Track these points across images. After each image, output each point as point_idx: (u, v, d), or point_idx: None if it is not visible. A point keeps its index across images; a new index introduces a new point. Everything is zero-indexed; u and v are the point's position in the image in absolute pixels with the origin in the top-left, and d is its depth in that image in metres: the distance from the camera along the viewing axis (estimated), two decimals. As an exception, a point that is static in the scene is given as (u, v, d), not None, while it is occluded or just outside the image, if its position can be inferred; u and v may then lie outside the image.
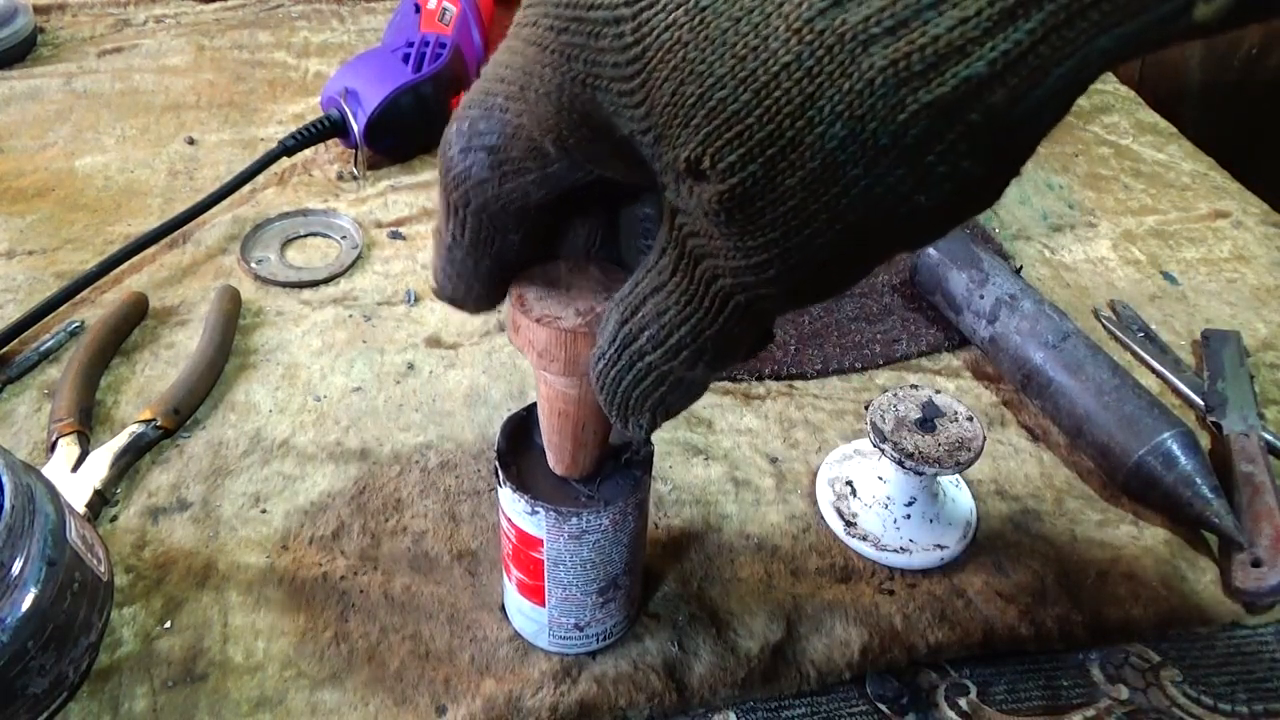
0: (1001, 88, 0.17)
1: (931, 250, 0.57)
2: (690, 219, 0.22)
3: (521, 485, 0.35)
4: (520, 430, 0.37)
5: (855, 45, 0.18)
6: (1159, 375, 0.55)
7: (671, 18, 0.20)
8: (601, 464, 0.36)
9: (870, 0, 0.18)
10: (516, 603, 0.40)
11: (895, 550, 0.45)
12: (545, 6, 0.23)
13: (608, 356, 0.26)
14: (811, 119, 0.19)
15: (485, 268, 0.29)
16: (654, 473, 0.48)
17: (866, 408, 0.44)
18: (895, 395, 0.45)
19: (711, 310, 0.23)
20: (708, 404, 0.53)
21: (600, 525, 0.35)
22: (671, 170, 0.21)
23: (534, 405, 0.35)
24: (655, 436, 0.50)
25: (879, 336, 0.57)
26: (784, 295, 0.22)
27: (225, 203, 0.65)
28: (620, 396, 0.27)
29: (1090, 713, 0.40)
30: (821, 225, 0.20)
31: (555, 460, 0.35)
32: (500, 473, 0.36)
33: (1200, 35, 0.17)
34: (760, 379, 0.54)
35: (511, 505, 0.36)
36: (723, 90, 0.20)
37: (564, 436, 0.34)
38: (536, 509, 0.35)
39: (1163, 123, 0.81)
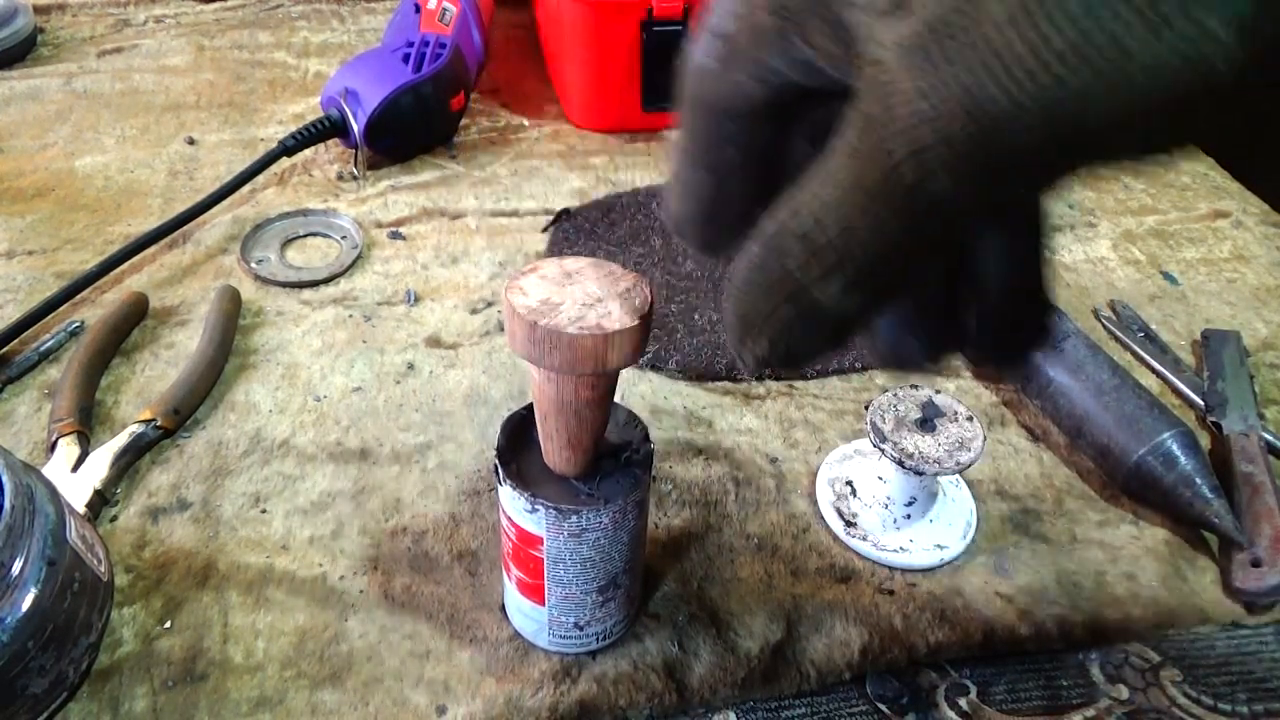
0: None
1: (931, 250, 0.57)
2: (878, 75, 0.19)
3: (521, 483, 0.35)
4: (520, 429, 0.37)
5: None
6: (1159, 375, 0.55)
7: None
8: (598, 462, 0.36)
9: None
10: (516, 602, 0.40)
11: (895, 550, 0.45)
12: None
13: (751, 256, 0.22)
14: None
15: (707, 183, 0.26)
16: (654, 472, 0.48)
17: (866, 408, 0.44)
18: (895, 395, 0.45)
19: (874, 195, 0.19)
20: (708, 404, 0.53)
21: (600, 523, 0.35)
22: (873, 32, 0.19)
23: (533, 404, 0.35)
24: (655, 436, 0.50)
25: (879, 336, 0.57)
26: (968, 171, 0.18)
27: (225, 203, 0.65)
28: (746, 307, 0.23)
29: (1090, 713, 0.40)
30: (1021, 71, 0.17)
31: (552, 458, 0.35)
32: (500, 471, 0.36)
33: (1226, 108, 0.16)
34: (760, 379, 0.54)
35: (511, 503, 0.36)
36: None
37: (560, 434, 0.34)
38: (536, 507, 0.35)
39: (1163, 123, 0.81)
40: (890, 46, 0.18)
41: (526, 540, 0.36)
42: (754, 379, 0.28)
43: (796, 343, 0.23)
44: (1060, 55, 0.17)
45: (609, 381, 0.33)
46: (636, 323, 0.30)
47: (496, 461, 0.36)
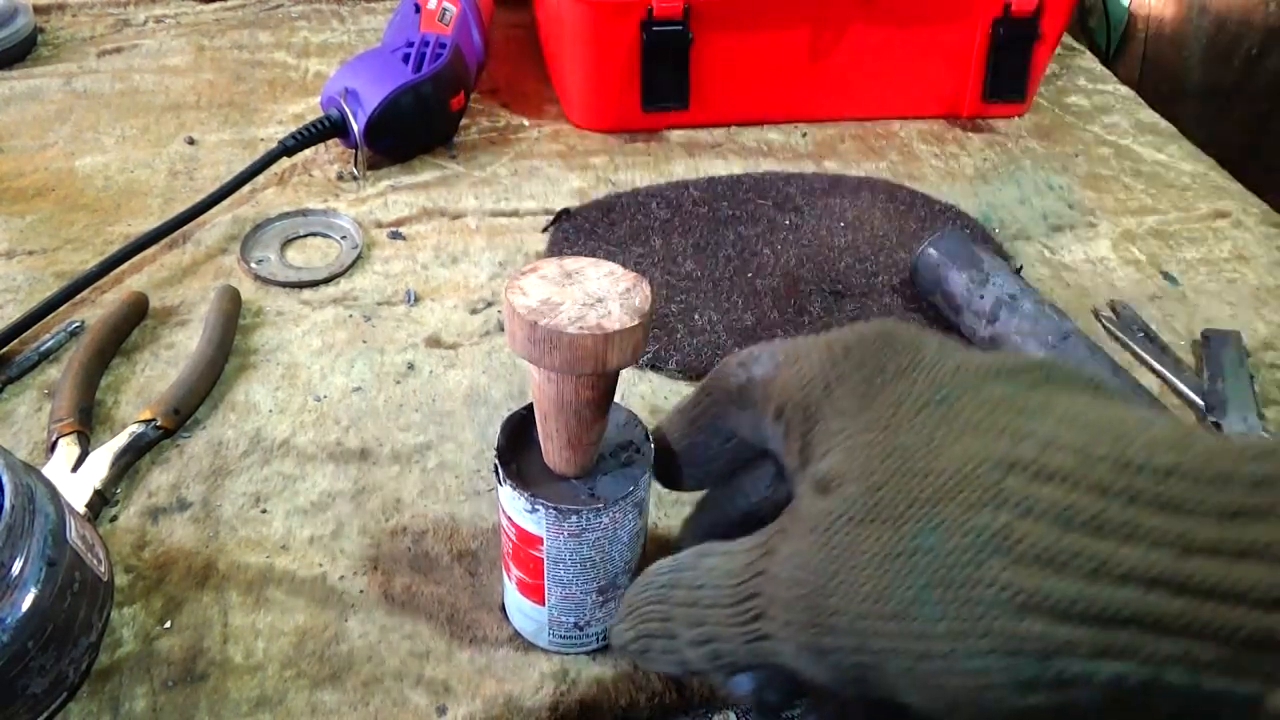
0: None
1: (931, 250, 0.57)
2: (792, 520, 0.26)
3: (521, 483, 0.35)
4: (521, 429, 0.37)
5: (989, 496, 0.22)
6: (1159, 375, 0.55)
7: (921, 388, 0.26)
8: (598, 462, 0.36)
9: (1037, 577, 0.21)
10: (516, 602, 0.40)
11: (895, 550, 0.44)
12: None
13: (664, 577, 0.29)
14: (924, 524, 0.23)
15: (691, 442, 0.34)
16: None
17: (866, 408, 0.44)
18: (895, 395, 0.45)
19: (739, 624, 0.26)
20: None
21: (600, 524, 0.35)
22: (813, 474, 0.26)
23: (533, 404, 0.35)
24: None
25: (879, 336, 0.57)
26: (791, 652, 0.25)
27: (225, 203, 0.65)
28: (636, 604, 0.30)
29: (1090, 713, 0.40)
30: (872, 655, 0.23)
31: (552, 458, 0.35)
32: (500, 470, 0.36)
33: None
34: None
35: (511, 503, 0.36)
36: (897, 452, 0.25)
37: (560, 434, 0.34)
38: (536, 507, 0.35)
39: (1163, 123, 0.81)
40: (803, 520, 0.25)
41: (526, 540, 0.36)
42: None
43: (652, 654, 0.29)
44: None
45: (609, 382, 0.33)
46: (637, 323, 0.30)
47: (496, 461, 0.36)
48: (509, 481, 0.35)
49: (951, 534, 0.22)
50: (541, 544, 0.36)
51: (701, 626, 0.27)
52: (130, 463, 0.47)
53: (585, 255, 0.66)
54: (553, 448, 0.35)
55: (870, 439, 0.25)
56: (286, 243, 0.64)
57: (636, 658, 0.30)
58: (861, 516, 0.24)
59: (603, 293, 0.31)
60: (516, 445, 0.37)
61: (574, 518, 0.35)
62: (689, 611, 0.28)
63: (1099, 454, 0.22)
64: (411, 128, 0.70)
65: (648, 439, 0.36)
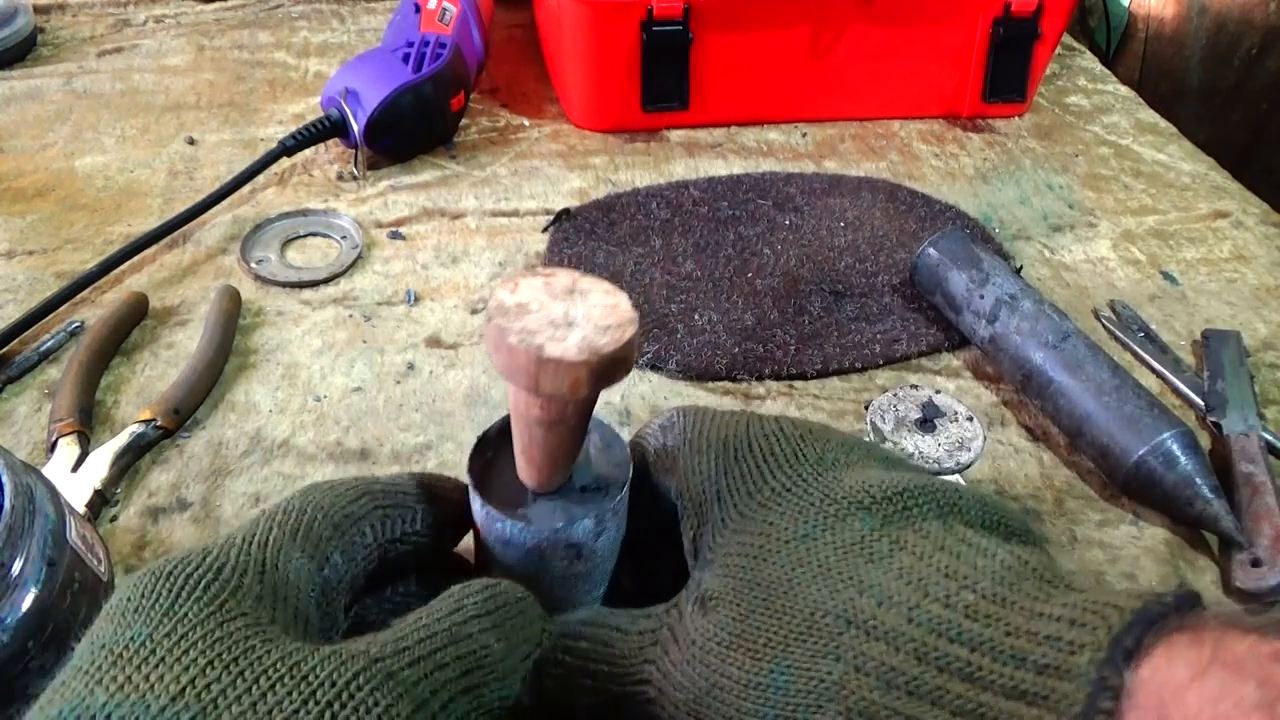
0: None
1: (931, 250, 0.57)
2: (677, 623, 0.29)
3: (479, 474, 0.34)
4: (503, 434, 0.35)
5: (831, 647, 0.26)
6: (1159, 375, 0.55)
7: (792, 519, 0.30)
8: (566, 490, 0.34)
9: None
10: None
11: (895, 550, 0.44)
12: None
13: (563, 627, 0.32)
14: (778, 662, 0.26)
15: None
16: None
17: (866, 408, 0.44)
18: (895, 395, 0.45)
19: (631, 695, 0.30)
20: (708, 404, 0.52)
21: (522, 543, 0.33)
22: (697, 585, 0.30)
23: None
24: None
25: (879, 336, 0.57)
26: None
27: (225, 203, 0.65)
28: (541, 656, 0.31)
29: (1090, 713, 0.40)
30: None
31: (517, 461, 0.33)
32: (471, 456, 0.34)
33: None
34: (760, 379, 0.54)
35: (470, 491, 0.34)
36: (765, 582, 0.28)
37: (518, 439, 0.32)
38: (476, 498, 0.33)
39: (1163, 123, 0.81)
40: (686, 632, 0.29)
41: (476, 531, 0.35)
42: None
43: (555, 695, 0.31)
44: None
45: (559, 408, 0.30)
46: (579, 360, 0.27)
47: (475, 446, 0.35)
48: (470, 472, 0.34)
49: (797, 677, 0.25)
50: (482, 538, 0.35)
51: (598, 690, 0.30)
52: (130, 463, 0.47)
53: (585, 255, 0.66)
54: (516, 451, 0.33)
55: (743, 566, 0.29)
56: (286, 243, 0.64)
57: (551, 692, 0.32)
58: (730, 642, 0.27)
59: (581, 320, 0.29)
60: (500, 447, 0.35)
61: (499, 525, 0.33)
62: (588, 671, 0.31)
63: (925, 617, 0.25)
64: (411, 128, 0.70)
65: (621, 489, 0.34)
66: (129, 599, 0.26)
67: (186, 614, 0.26)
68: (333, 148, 0.72)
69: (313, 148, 0.70)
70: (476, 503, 0.34)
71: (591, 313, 0.29)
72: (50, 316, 0.55)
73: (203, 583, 0.27)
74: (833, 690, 0.25)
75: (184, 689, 0.24)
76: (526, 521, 0.33)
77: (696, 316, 0.58)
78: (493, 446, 0.35)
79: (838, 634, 0.25)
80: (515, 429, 0.32)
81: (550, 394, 0.28)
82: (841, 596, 0.26)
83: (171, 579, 0.27)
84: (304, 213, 0.66)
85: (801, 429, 0.32)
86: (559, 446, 0.32)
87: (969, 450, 0.41)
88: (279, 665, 0.25)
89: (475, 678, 0.28)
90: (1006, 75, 0.77)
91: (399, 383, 0.53)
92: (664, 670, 0.29)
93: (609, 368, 0.28)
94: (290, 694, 0.24)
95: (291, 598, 0.28)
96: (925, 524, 0.28)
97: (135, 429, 0.48)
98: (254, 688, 0.24)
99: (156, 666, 0.24)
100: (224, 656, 0.25)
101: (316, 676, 0.24)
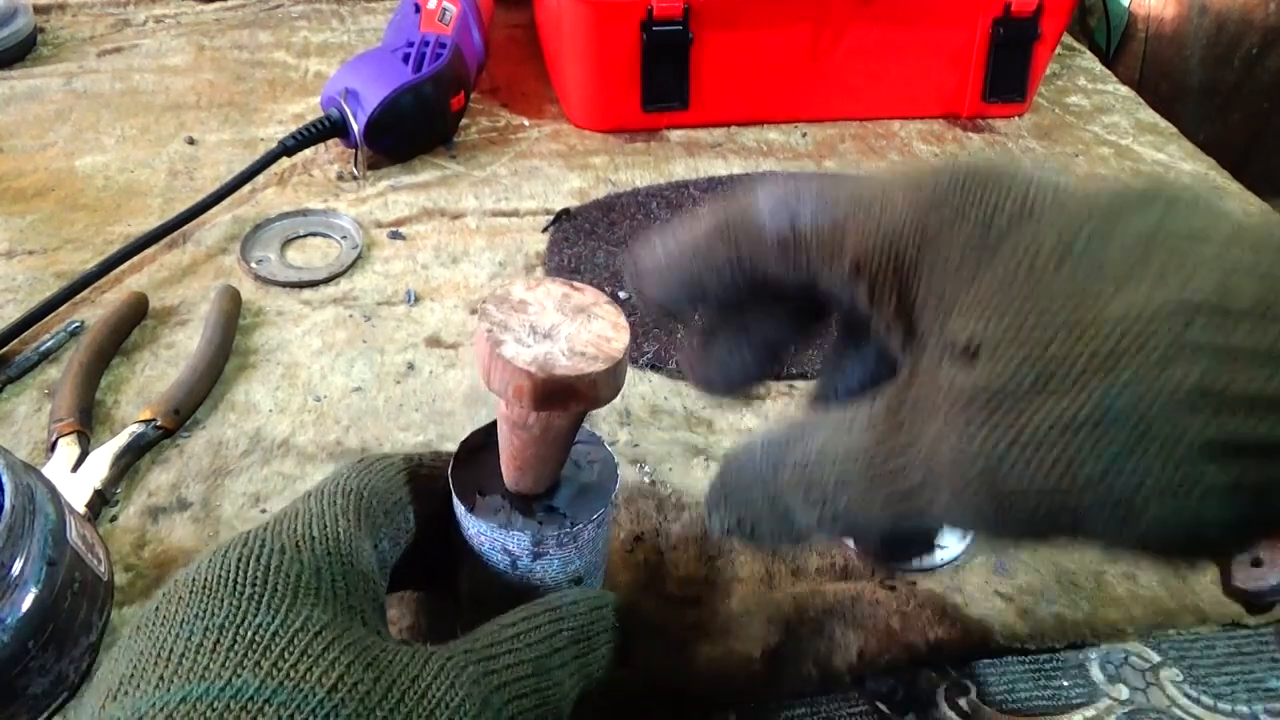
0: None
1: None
2: (927, 391, 0.23)
3: (460, 467, 0.34)
4: (486, 439, 0.36)
5: (1176, 348, 0.20)
6: (1159, 375, 0.55)
7: (1055, 232, 0.22)
8: (541, 499, 0.34)
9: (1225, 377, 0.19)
10: None
11: (895, 550, 0.45)
12: (952, 169, 0.24)
13: (753, 458, 0.27)
14: (1107, 387, 0.20)
15: (745, 350, 0.31)
16: (653, 478, 0.48)
17: (866, 408, 0.44)
18: (895, 395, 0.45)
19: (879, 481, 0.23)
20: (708, 404, 0.53)
21: (471, 534, 0.33)
22: (942, 340, 0.23)
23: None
24: (655, 437, 0.50)
25: (879, 336, 0.57)
26: (949, 514, 0.22)
27: (225, 203, 0.65)
28: (731, 486, 0.27)
29: (1090, 713, 0.40)
30: (1047, 489, 0.21)
31: (504, 473, 0.34)
32: (459, 449, 0.35)
33: None
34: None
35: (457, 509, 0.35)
36: (1049, 307, 0.21)
37: (501, 438, 0.32)
38: (452, 485, 0.34)
39: (1163, 123, 0.81)
40: (951, 393, 0.22)
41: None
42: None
43: (760, 531, 0.27)
44: (1075, 478, 0.20)
45: (520, 412, 0.29)
46: (540, 377, 0.27)
47: (463, 441, 0.35)
48: (454, 465, 0.34)
49: (1143, 395, 0.19)
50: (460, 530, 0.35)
51: (825, 504, 0.25)
52: (130, 463, 0.47)
53: (585, 255, 0.66)
54: (503, 463, 0.33)
55: (1012, 296, 0.22)
56: (286, 243, 0.64)
57: (741, 539, 0.28)
58: (1026, 388, 0.21)
59: (571, 338, 0.28)
60: (487, 445, 0.35)
61: (463, 513, 0.33)
62: (807, 491, 0.25)
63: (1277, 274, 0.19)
64: (411, 128, 0.70)
65: (570, 526, 0.33)
66: (218, 579, 0.26)
67: (301, 606, 0.26)
68: (333, 148, 0.72)
69: (313, 148, 0.70)
70: (456, 499, 0.34)
71: (578, 336, 0.28)
72: (50, 316, 0.55)
73: (293, 573, 0.27)
74: (1193, 396, 0.19)
75: (335, 685, 0.24)
76: (472, 511, 0.33)
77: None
78: (482, 444, 0.36)
79: (1181, 330, 0.20)
80: (499, 427, 0.32)
81: (498, 393, 0.28)
82: (1167, 290, 0.20)
83: (258, 561, 0.27)
84: (304, 213, 0.66)
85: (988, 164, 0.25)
86: (522, 450, 0.31)
87: (969, 450, 0.42)
88: (406, 672, 0.26)
89: (543, 712, 0.29)
90: (1006, 75, 0.77)
91: (399, 383, 0.53)
92: (929, 454, 0.23)
93: (557, 391, 0.27)
94: (419, 707, 0.25)
95: (370, 589, 0.29)
96: (1207, 211, 0.22)
97: (135, 429, 0.48)
98: (391, 692, 0.25)
99: (303, 657, 0.24)
100: (364, 657, 0.25)
101: (437, 691, 0.26)
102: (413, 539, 0.34)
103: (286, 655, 0.24)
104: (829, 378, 0.32)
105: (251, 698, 0.23)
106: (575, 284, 0.30)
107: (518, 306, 0.28)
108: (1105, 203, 0.22)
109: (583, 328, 0.28)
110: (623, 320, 0.29)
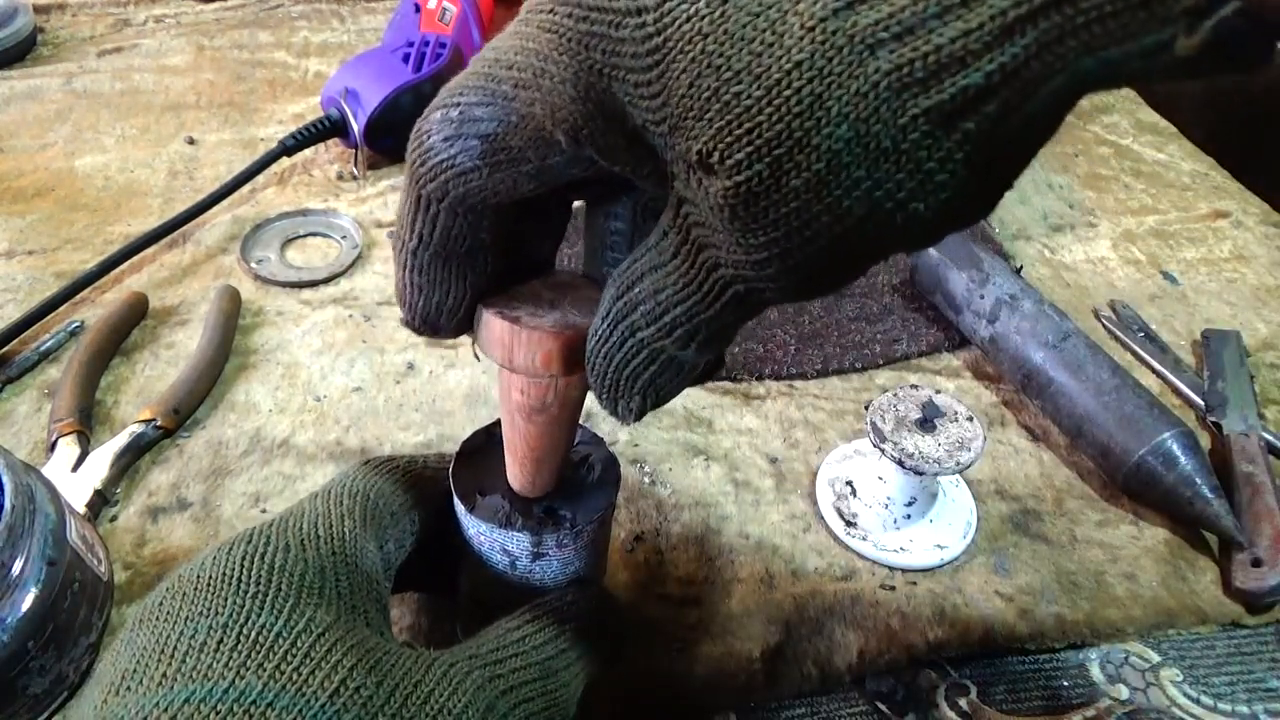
0: (995, 99, 0.18)
1: (931, 250, 0.57)
2: (696, 209, 0.22)
3: (463, 461, 0.34)
4: (487, 440, 0.36)
5: (863, 48, 0.18)
6: (1159, 375, 0.55)
7: (694, 9, 0.20)
8: (541, 502, 0.34)
9: (881, 5, 0.18)
10: None
11: (895, 550, 0.45)
12: None
13: (600, 332, 0.26)
14: (819, 120, 0.19)
15: (454, 271, 0.28)
16: (653, 478, 0.48)
17: (866, 408, 0.44)
18: (895, 395, 0.45)
19: (709, 296, 0.23)
20: (708, 404, 0.53)
21: (469, 534, 0.33)
22: (682, 161, 0.22)
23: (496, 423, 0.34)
24: (656, 437, 0.50)
25: (879, 336, 0.57)
26: (781, 290, 0.23)
27: (225, 203, 0.65)
28: (611, 376, 0.26)
29: (1090, 713, 0.40)
30: (822, 227, 0.20)
31: (508, 469, 0.34)
32: (465, 441, 0.35)
33: (1187, 74, 0.17)
34: (760, 379, 0.54)
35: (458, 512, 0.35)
36: (738, 85, 0.20)
37: (505, 433, 0.32)
38: (452, 484, 0.34)
39: (1163, 123, 0.81)
40: (710, 202, 0.21)
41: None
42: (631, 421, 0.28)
43: (665, 390, 0.27)
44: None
45: (539, 392, 0.29)
46: (569, 334, 0.27)
47: (465, 441, 0.35)
48: (456, 464, 0.34)
49: (862, 118, 0.19)
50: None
51: (682, 325, 0.25)
52: (130, 462, 0.47)
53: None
54: (505, 448, 0.33)
55: (701, 90, 0.20)
56: (286, 243, 0.64)
57: (653, 401, 0.27)
58: (766, 178, 0.20)
59: (570, 303, 0.28)
60: (489, 450, 0.35)
61: (462, 513, 0.33)
62: (670, 330, 0.25)
63: None
64: (411, 128, 0.70)
65: (570, 527, 0.33)
66: (222, 576, 0.26)
67: (305, 607, 0.26)
68: (333, 148, 0.72)
69: (313, 148, 0.70)
70: (457, 500, 0.34)
71: (578, 302, 0.29)
72: (50, 316, 0.55)
73: (297, 573, 0.27)
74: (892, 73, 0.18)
75: (337, 689, 0.24)
76: (473, 512, 0.33)
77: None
78: (485, 442, 0.36)
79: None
80: (503, 422, 0.32)
81: (524, 370, 0.28)
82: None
83: (263, 559, 0.27)
84: (304, 213, 0.66)
85: None
86: (539, 438, 0.31)
87: (969, 450, 0.41)
88: (409, 677, 0.26)
89: (551, 714, 0.29)
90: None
91: (399, 382, 0.53)
92: (727, 253, 0.22)
93: (583, 347, 0.27)
94: (421, 712, 0.25)
95: (374, 591, 0.29)
96: None
97: (135, 429, 0.48)
98: (394, 698, 0.25)
99: (306, 660, 0.24)
100: (367, 661, 0.25)
101: (440, 697, 0.26)
102: (416, 541, 0.34)
103: (290, 658, 0.24)
104: (596, 251, 0.32)
105: (255, 701, 0.23)
106: (550, 272, 0.31)
107: (512, 295, 0.29)
108: None
109: (576, 296, 0.29)
110: (598, 291, 0.30)
